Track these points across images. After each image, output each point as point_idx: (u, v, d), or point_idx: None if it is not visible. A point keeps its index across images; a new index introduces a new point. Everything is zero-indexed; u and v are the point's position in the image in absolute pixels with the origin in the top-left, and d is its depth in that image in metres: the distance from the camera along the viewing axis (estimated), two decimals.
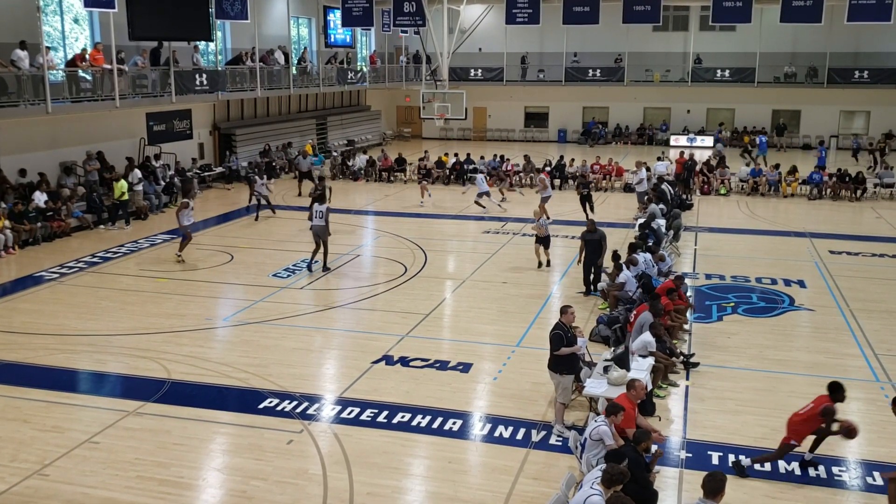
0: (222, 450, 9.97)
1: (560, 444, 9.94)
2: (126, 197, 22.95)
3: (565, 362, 10.21)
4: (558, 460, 9.57)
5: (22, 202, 20.51)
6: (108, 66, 22.89)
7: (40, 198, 21.01)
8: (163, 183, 25.91)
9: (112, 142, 25.37)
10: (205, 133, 31.08)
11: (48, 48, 21.10)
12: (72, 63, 22.39)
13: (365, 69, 41.72)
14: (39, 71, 20.47)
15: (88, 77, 22.90)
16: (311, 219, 18.18)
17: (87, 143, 24.34)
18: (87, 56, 22.46)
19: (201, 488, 8.99)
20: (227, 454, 9.84)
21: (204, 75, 27.70)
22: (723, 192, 29.40)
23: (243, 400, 11.27)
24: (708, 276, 17.99)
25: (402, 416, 10.73)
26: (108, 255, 19.51)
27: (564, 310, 10.55)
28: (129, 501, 8.59)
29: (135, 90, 24.54)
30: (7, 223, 19.50)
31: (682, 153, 30.92)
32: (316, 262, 18.18)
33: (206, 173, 29.71)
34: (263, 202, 24.16)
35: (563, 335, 10.15)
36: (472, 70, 44.85)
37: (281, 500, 8.65)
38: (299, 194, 27.91)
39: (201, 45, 28.77)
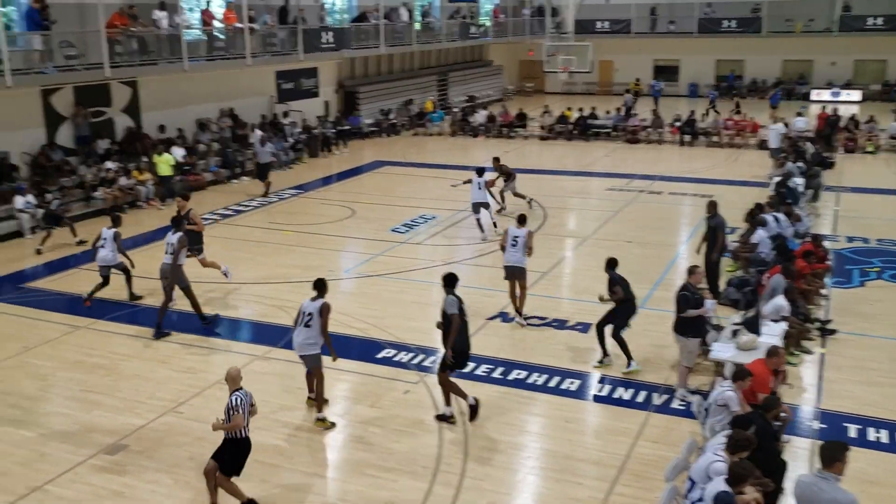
0: (342, 396, 10.22)
1: (682, 408, 9.60)
2: (170, 172, 20.49)
3: (691, 325, 9.81)
4: (680, 424, 9.26)
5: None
6: (240, 25, 23.59)
7: (178, 153, 22.02)
8: (290, 140, 26.61)
9: (243, 99, 26.23)
10: (330, 91, 31.64)
11: (185, 8, 21.92)
12: (203, 20, 23.23)
13: (488, 23, 41.22)
14: (176, 30, 21.33)
15: (222, 36, 23.71)
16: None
17: (221, 101, 25.28)
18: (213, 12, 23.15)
19: (323, 432, 9.24)
20: (347, 401, 10.08)
21: (330, 33, 28.10)
22: (870, 149, 27.36)
23: (363, 349, 11.50)
24: (850, 239, 16.85)
25: (518, 374, 10.65)
26: (241, 208, 20.28)
27: (692, 270, 10.12)
28: (256, 441, 8.91)
29: (264, 48, 25.22)
30: (149, 176, 20.60)
31: (824, 108, 29.01)
32: (212, 320, 12.52)
33: (331, 130, 30.27)
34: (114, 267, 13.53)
35: (689, 296, 9.75)
36: (599, 22, 43.50)
37: (397, 448, 8.79)
38: (265, 194, 21.53)
39: (328, 2, 29.15)
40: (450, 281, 9.36)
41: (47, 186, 18.24)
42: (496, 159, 19.86)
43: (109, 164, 20.12)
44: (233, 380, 7.56)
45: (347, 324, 12.44)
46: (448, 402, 9.37)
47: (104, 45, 19.19)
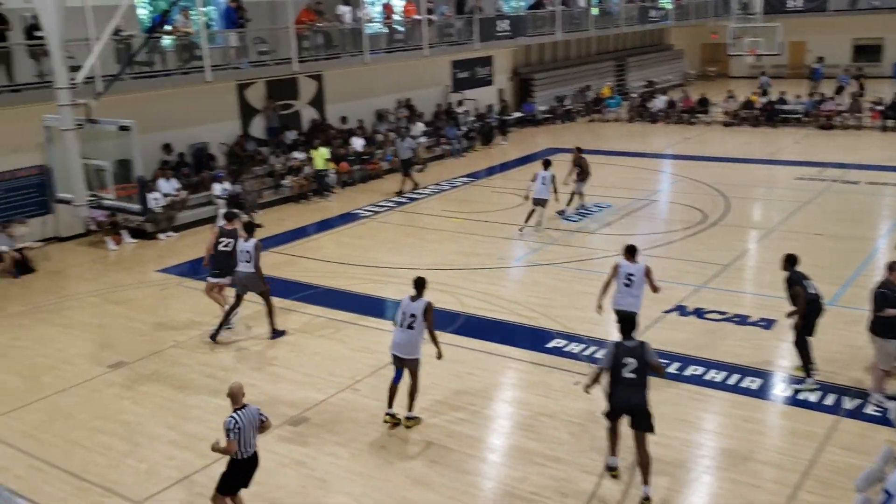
0: (511, 384, 10.27)
1: (878, 414, 8.86)
2: (328, 166, 20.77)
3: (889, 325, 9.01)
4: (875, 432, 8.54)
5: (343, 146, 22.57)
6: (418, 17, 24.17)
7: (358, 142, 22.95)
8: (464, 129, 26.97)
9: (420, 90, 26.88)
10: (504, 79, 31.76)
11: (366, 3, 22.76)
12: (384, 13, 24.05)
13: (669, 6, 39.75)
14: (359, 24, 22.19)
15: (401, 28, 24.42)
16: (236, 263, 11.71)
17: (398, 92, 26.06)
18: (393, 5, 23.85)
19: (491, 418, 9.33)
20: (516, 388, 10.12)
21: (506, 21, 28.19)
22: None
23: (532, 338, 11.49)
24: None
25: (695, 370, 10.24)
26: (414, 195, 20.83)
27: (892, 266, 9.28)
28: (424, 421, 9.18)
29: (441, 39, 25.71)
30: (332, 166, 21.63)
31: None
32: (229, 326, 12.00)
33: (505, 117, 30.42)
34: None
35: (888, 294, 8.97)
36: (790, 0, 40.74)
37: (566, 439, 8.71)
38: (399, 192, 20.98)
39: None
40: (621, 324, 7.74)
41: (241, 175, 19.59)
42: (578, 150, 18.03)
43: (296, 154, 21.29)
44: (233, 397, 7.10)
45: (516, 312, 12.47)
46: (613, 451, 7.97)
47: (293, 41, 20.32)
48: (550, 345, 11.20)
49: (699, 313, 12.10)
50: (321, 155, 20.63)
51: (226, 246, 11.98)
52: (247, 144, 21.14)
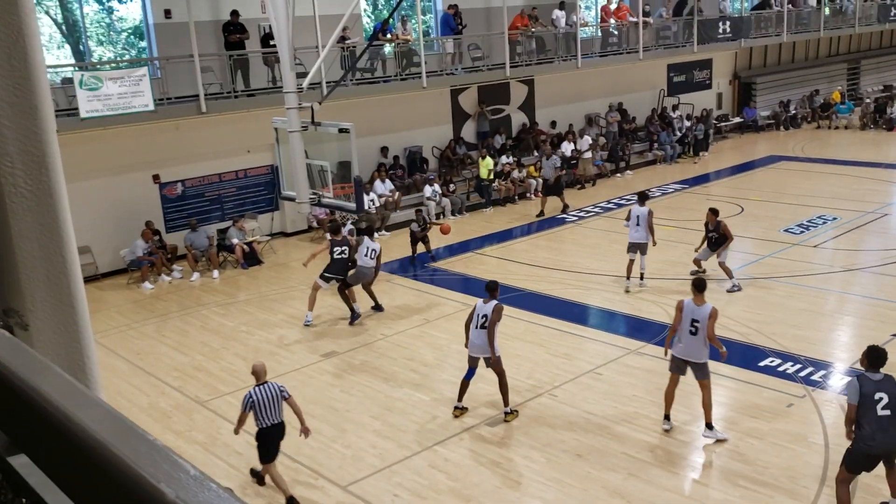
0: (718, 402, 9.69)
1: None
2: (490, 176, 20.29)
3: None
4: None
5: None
6: (634, 20, 23.67)
7: (566, 147, 22.83)
8: (678, 134, 26.06)
9: (632, 94, 26.29)
10: (724, 83, 30.30)
11: (581, 6, 22.63)
12: (601, 17, 23.78)
13: None
14: (573, 28, 22.10)
15: (615, 32, 24.05)
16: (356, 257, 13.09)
17: (610, 96, 25.63)
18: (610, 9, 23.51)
19: (695, 435, 8.92)
20: (723, 407, 9.57)
21: (727, 23, 26.90)
22: None
23: (743, 355, 10.81)
24: None
25: None
26: (622, 201, 20.38)
27: None
28: (622, 433, 8.94)
29: (657, 42, 25.00)
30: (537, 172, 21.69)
31: None
32: (359, 314, 13.09)
33: (723, 123, 29.03)
34: None
35: None
36: None
37: (775, 463, 8.14)
38: (540, 214, 19.46)
39: None
40: (870, 355, 6.99)
41: (451, 178, 20.18)
42: (713, 212, 13.65)
43: (504, 159, 21.58)
44: (256, 374, 8.06)
45: (728, 327, 11.80)
46: None
47: (506, 47, 20.62)
48: (763, 363, 10.52)
49: None
50: (485, 165, 20.37)
51: (341, 254, 12.98)
52: (457, 148, 21.72)
